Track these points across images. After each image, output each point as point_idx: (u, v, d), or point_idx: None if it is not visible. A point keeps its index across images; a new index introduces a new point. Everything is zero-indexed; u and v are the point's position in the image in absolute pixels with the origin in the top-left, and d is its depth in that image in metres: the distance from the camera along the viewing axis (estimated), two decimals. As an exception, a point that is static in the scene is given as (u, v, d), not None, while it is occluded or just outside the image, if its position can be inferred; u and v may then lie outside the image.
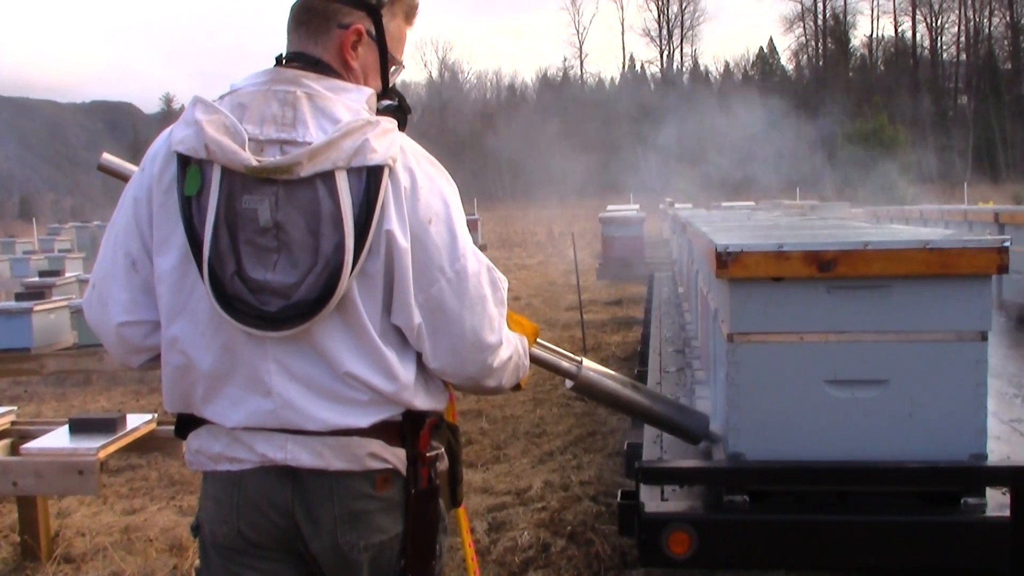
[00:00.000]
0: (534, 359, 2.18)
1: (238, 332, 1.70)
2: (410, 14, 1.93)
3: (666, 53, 74.09)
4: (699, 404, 3.57)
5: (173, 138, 1.71)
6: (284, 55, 1.82)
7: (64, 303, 7.40)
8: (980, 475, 2.69)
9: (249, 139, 1.66)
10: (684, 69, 75.58)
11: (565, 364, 2.39)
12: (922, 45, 69.84)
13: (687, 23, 74.36)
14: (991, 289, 2.72)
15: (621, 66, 77.70)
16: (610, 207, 19.92)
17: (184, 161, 1.68)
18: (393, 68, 1.90)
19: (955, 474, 2.69)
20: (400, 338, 1.78)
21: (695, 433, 2.86)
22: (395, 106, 1.89)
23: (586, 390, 2.50)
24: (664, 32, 73.93)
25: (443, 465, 1.94)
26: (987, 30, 67.37)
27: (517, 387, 2.06)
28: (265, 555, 1.82)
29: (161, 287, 1.76)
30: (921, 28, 69.66)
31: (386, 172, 1.67)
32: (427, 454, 1.85)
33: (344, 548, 1.78)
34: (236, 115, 1.69)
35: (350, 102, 1.73)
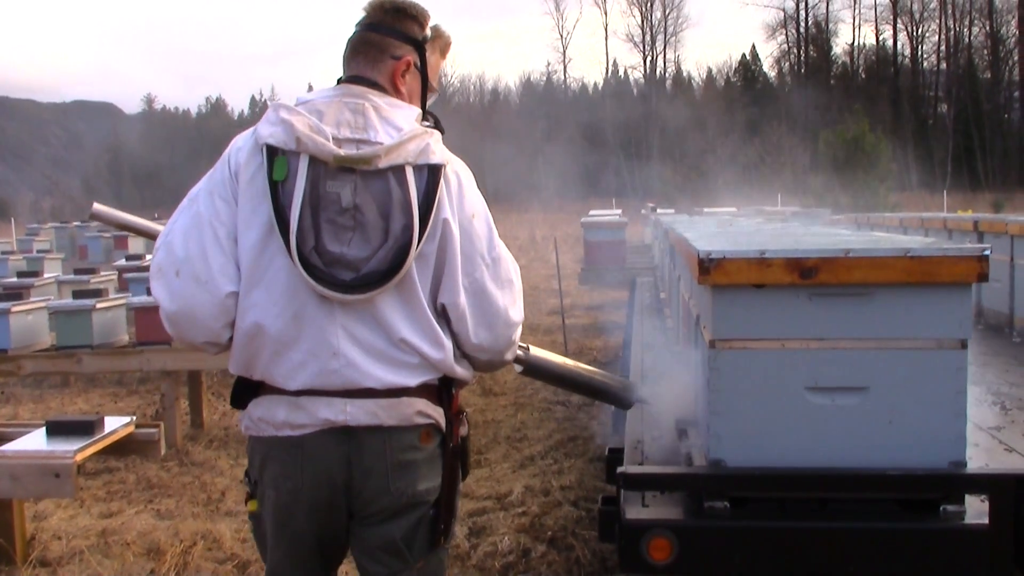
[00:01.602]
0: None
1: (311, 301, 2.00)
2: (444, 50, 2.29)
3: (649, 59, 74.23)
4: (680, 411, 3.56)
5: (260, 134, 2.01)
6: (344, 78, 2.16)
7: (42, 304, 7.32)
8: (959, 482, 2.70)
9: (332, 138, 1.98)
10: (667, 75, 75.78)
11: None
12: (903, 54, 70.33)
13: (670, 29, 74.48)
14: (971, 297, 2.73)
15: (604, 71, 77.87)
16: (592, 212, 19.91)
17: (271, 152, 1.98)
18: (431, 94, 2.26)
19: (935, 481, 2.69)
20: (441, 316, 2.11)
21: (626, 401, 3.10)
22: (432, 125, 2.18)
23: (533, 372, 2.73)
24: (647, 38, 74.05)
25: (465, 430, 2.23)
26: (967, 39, 67.90)
27: None
28: (319, 517, 2.09)
29: (242, 260, 2.03)
30: (902, 37, 70.15)
31: (443, 171, 2.04)
32: (458, 412, 2.19)
33: (395, 494, 2.07)
34: (315, 119, 2.00)
35: (406, 115, 2.08)
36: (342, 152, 1.96)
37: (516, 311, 2.19)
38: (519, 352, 2.60)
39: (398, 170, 1.99)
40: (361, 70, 2.15)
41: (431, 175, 2.01)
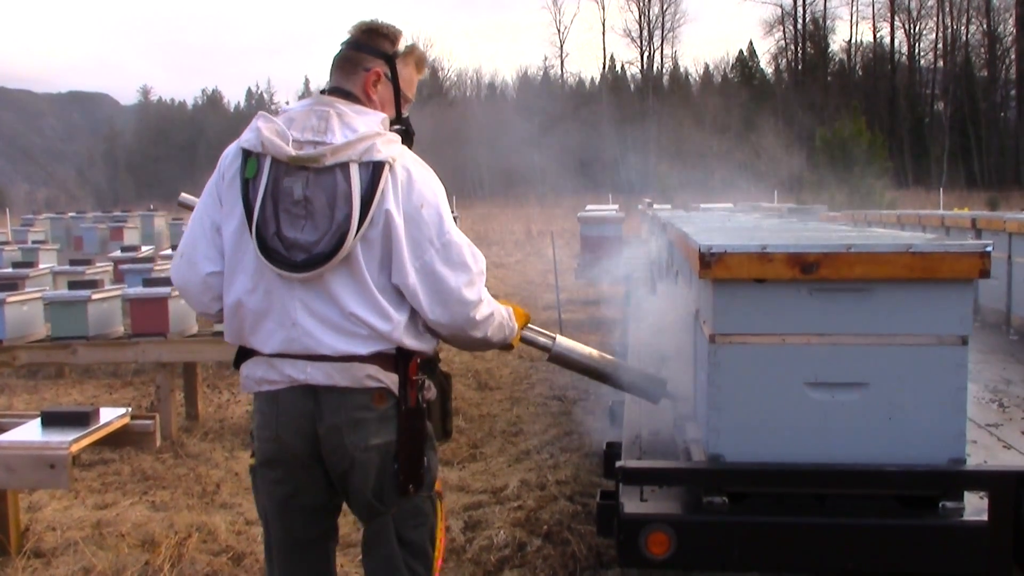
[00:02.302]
0: (521, 338, 2.78)
1: (275, 279, 2.34)
2: (419, 64, 2.61)
3: (646, 54, 74.13)
4: (679, 407, 3.55)
5: (241, 139, 2.38)
6: (325, 89, 2.49)
7: (37, 295, 7.29)
8: (959, 479, 2.70)
9: (293, 140, 2.31)
10: (664, 71, 75.69)
11: (543, 340, 2.92)
12: (900, 51, 70.26)
13: (668, 25, 74.31)
14: (973, 294, 2.72)
15: (601, 66, 77.69)
16: (589, 207, 19.89)
17: (246, 154, 2.35)
18: (405, 103, 2.56)
19: (934, 478, 2.69)
20: (396, 294, 2.37)
21: (655, 394, 3.21)
22: (403, 129, 2.53)
23: (560, 360, 2.98)
24: (645, 33, 73.95)
25: (431, 394, 2.49)
26: (964, 38, 67.87)
27: (509, 347, 2.68)
28: (294, 462, 2.41)
29: (225, 248, 2.41)
30: (899, 34, 70.09)
31: (387, 167, 2.30)
32: (414, 378, 2.42)
33: (349, 447, 2.36)
34: (286, 125, 2.34)
35: (368, 120, 2.37)
36: (294, 153, 2.29)
37: (472, 291, 2.41)
38: (547, 341, 2.90)
39: (344, 167, 2.29)
40: (339, 82, 2.49)
41: (375, 171, 2.30)
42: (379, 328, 2.35)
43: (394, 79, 2.52)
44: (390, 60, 2.51)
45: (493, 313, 2.51)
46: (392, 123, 2.49)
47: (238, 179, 2.36)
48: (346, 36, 2.55)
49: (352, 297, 2.33)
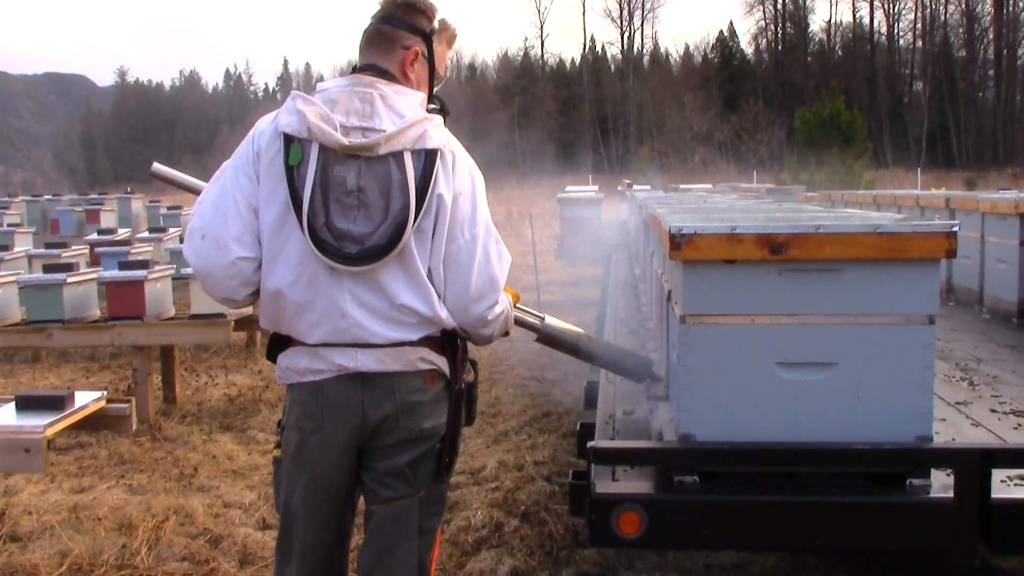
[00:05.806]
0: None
1: (322, 270, 2.27)
2: (450, 41, 2.56)
3: (627, 35, 74.00)
4: (652, 387, 3.58)
5: (279, 122, 2.28)
6: (359, 66, 2.43)
7: (12, 278, 7.23)
8: (926, 456, 2.73)
9: (340, 126, 2.25)
10: (644, 51, 75.58)
11: (531, 320, 2.96)
12: (879, 31, 70.47)
13: (648, 5, 74.31)
14: (939, 273, 2.74)
15: (582, 47, 77.50)
16: (568, 188, 19.87)
17: (288, 139, 2.25)
18: (437, 80, 2.52)
19: (901, 455, 2.72)
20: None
21: (640, 374, 3.31)
22: (438, 108, 2.49)
23: (548, 341, 3.02)
24: (625, 13, 73.81)
25: (470, 377, 2.51)
26: (943, 18, 68.10)
27: (506, 333, 2.63)
28: (332, 450, 2.35)
29: (263, 234, 2.31)
30: (878, 14, 70.31)
31: (439, 154, 2.29)
32: (463, 359, 2.45)
33: (403, 430, 2.35)
34: (327, 108, 2.27)
35: (411, 102, 2.35)
36: (346, 141, 2.23)
37: (490, 290, 2.40)
38: (535, 322, 2.95)
39: (397, 155, 2.25)
40: (374, 59, 2.42)
41: (428, 159, 2.27)
42: (427, 314, 2.33)
43: (430, 58, 2.47)
44: (427, 38, 2.46)
45: (503, 311, 2.49)
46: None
47: (278, 164, 2.26)
48: (378, 8, 2.47)
49: (403, 288, 2.30)
